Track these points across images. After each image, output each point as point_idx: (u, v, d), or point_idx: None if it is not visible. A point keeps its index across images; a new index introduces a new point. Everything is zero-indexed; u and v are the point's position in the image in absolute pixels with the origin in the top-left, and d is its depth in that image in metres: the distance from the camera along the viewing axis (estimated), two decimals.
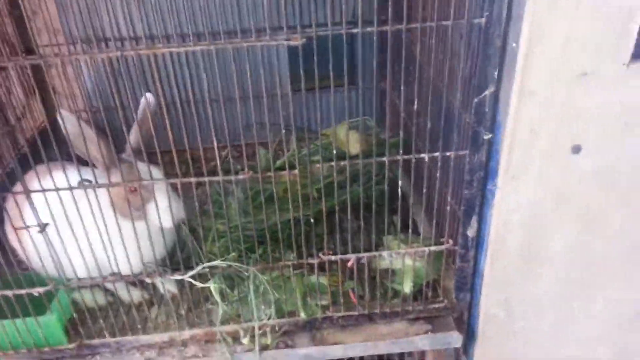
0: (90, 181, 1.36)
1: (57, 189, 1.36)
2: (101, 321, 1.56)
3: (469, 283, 1.53)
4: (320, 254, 1.47)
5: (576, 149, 1.24)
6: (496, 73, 1.22)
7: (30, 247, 1.46)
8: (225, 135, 1.27)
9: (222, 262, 1.41)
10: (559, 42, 1.09)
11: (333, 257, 1.47)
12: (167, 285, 1.69)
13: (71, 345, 1.57)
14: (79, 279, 1.50)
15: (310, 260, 1.48)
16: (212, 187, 1.87)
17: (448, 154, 1.35)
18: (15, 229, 1.43)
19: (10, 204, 1.47)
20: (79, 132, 1.33)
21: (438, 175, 1.38)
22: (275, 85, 1.29)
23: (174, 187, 1.46)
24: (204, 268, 1.42)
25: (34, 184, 1.35)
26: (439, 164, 1.36)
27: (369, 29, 1.16)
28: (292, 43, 1.17)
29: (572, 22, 1.07)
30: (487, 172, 1.36)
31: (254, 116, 1.32)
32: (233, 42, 1.17)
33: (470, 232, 1.44)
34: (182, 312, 1.60)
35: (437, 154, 1.35)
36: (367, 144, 1.82)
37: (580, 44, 1.09)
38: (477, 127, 1.30)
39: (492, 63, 1.21)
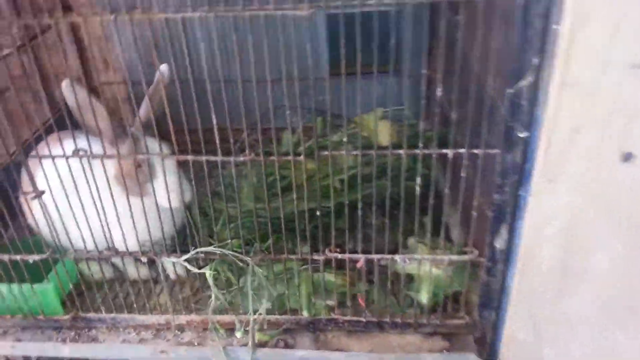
0: (85, 151, 1.36)
1: (52, 157, 1.38)
2: (97, 295, 1.59)
3: (496, 300, 1.42)
4: (327, 251, 1.41)
5: (627, 156, 1.10)
6: (536, 60, 1.09)
7: (30, 214, 1.51)
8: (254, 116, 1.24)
9: (215, 249, 1.38)
10: (608, 26, 0.96)
11: (339, 255, 1.40)
12: (171, 266, 1.70)
13: (66, 316, 1.61)
14: (76, 250, 1.52)
15: (316, 256, 1.42)
16: (227, 170, 1.85)
17: (476, 151, 1.24)
18: (15, 197, 1.47)
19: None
20: (84, 103, 1.34)
21: (463, 175, 1.27)
22: (309, 69, 1.23)
23: (181, 166, 1.45)
24: (198, 253, 1.40)
25: (45, 151, 1.39)
26: (465, 162, 1.25)
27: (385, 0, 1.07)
28: (298, 13, 1.11)
29: (625, 2, 0.93)
30: (521, 175, 1.24)
31: (282, 99, 1.27)
32: (234, 10, 1.13)
33: (499, 243, 1.33)
34: (180, 296, 1.59)
35: (462, 150, 1.24)
36: (397, 135, 1.74)
37: (633, 30, 0.95)
38: (512, 122, 1.18)
39: (532, 48, 1.08)
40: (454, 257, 1.39)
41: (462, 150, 1.24)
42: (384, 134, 1.54)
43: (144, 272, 1.64)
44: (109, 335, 1.63)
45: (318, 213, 1.35)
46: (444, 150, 1.24)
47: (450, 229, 1.72)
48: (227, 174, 1.84)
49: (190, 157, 1.32)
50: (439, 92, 1.18)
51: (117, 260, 1.61)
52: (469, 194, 1.36)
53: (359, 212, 1.35)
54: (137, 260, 1.54)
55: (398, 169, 1.71)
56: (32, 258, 1.51)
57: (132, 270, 1.66)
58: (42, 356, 1.65)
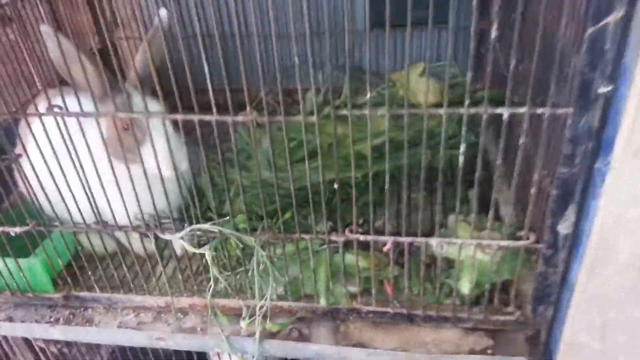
0: (60, 108, 1.14)
1: (25, 115, 1.17)
2: (89, 273, 1.40)
3: (554, 294, 1.16)
4: (347, 231, 1.16)
5: None
6: None
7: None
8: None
9: (213, 227, 1.16)
10: None
11: (361, 237, 1.15)
12: (177, 242, 1.49)
13: (57, 295, 1.43)
14: (62, 223, 1.33)
15: (334, 237, 1.18)
16: (238, 135, 1.61)
17: (540, 111, 0.95)
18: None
19: None
20: (67, 53, 1.12)
21: (522, 141, 0.99)
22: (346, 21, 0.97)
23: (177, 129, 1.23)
24: (192, 230, 1.18)
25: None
26: (525, 124, 0.97)
27: None
28: None
29: None
30: (598, 143, 0.95)
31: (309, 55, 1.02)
32: None
33: (564, 228, 1.06)
34: (180, 276, 1.38)
35: (522, 109, 0.95)
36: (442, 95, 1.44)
37: None
38: (590, 73, 0.89)
39: None
40: (504, 243, 1.12)
41: (522, 110, 0.95)
42: (424, 93, 1.26)
43: (139, 246, 1.43)
44: (105, 317, 1.45)
45: (336, 186, 1.10)
46: (498, 110, 0.96)
47: (499, 206, 1.45)
48: (239, 137, 1.61)
49: (179, 116, 1.08)
50: (493, 31, 0.89)
51: (118, 234, 1.41)
52: (527, 166, 1.08)
53: (387, 186, 1.09)
54: (127, 234, 1.34)
55: (438, 135, 1.44)
56: (14, 230, 1.32)
57: (135, 245, 1.45)
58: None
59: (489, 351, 1.23)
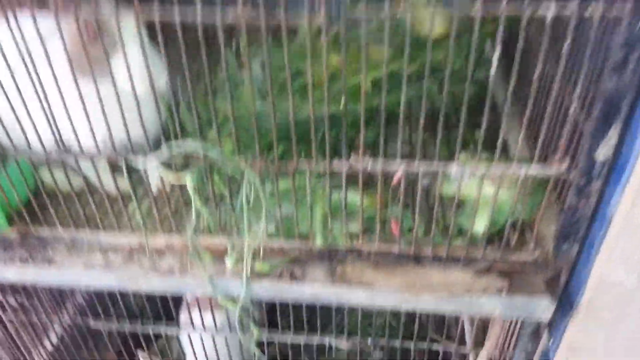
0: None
1: None
2: (51, 210, 1.21)
3: (582, 230, 1.03)
4: (351, 157, 1.00)
5: None
6: None
7: None
8: None
9: (196, 145, 0.98)
10: None
11: (370, 162, 0.99)
12: (153, 176, 1.29)
13: (13, 234, 1.24)
14: (17, 150, 1.13)
15: (337, 164, 1.02)
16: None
17: (590, 11, 0.79)
18: None
19: None
20: None
21: (566, 48, 0.83)
22: None
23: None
24: (172, 153, 1.00)
25: None
26: (570, 27, 0.81)
27: None
28: None
29: None
30: None
31: None
32: None
33: (602, 154, 0.92)
34: (155, 212, 1.19)
35: (570, 8, 0.79)
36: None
37: None
38: None
39: None
40: (532, 171, 0.97)
41: (569, 11, 0.79)
42: (434, 21, 1.08)
43: (109, 181, 1.23)
44: (69, 258, 1.26)
45: (343, 102, 0.93)
46: (540, 10, 0.79)
47: (508, 147, 1.31)
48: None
49: (156, 16, 0.88)
50: None
51: (85, 165, 1.21)
52: (560, 83, 0.93)
53: (401, 106, 0.92)
54: (95, 164, 1.15)
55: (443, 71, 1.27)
56: None
57: (104, 180, 1.26)
58: None
59: (504, 292, 1.10)
